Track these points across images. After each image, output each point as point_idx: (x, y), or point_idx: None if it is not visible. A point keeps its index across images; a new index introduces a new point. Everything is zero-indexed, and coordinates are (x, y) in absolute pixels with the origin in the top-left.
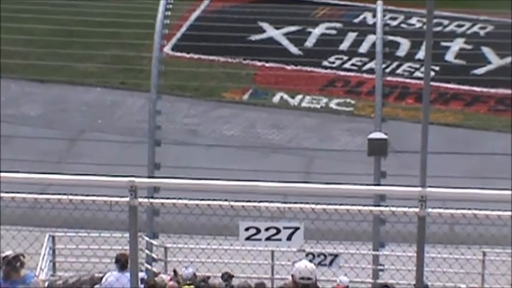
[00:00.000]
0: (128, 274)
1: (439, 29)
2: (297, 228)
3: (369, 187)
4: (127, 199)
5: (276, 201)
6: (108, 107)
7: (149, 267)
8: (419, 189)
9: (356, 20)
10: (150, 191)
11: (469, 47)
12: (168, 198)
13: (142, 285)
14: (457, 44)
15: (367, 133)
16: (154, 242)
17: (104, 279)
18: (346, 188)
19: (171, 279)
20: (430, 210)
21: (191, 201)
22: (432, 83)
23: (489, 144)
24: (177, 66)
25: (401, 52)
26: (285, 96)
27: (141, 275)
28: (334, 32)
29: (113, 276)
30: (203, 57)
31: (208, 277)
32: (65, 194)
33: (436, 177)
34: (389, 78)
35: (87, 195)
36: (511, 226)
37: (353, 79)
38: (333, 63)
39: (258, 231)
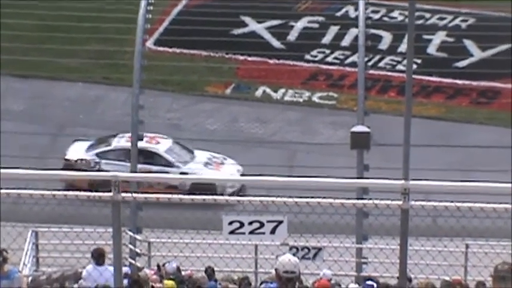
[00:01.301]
0: (104, 267)
1: (421, 22)
2: (280, 222)
3: (352, 180)
4: (110, 194)
5: (259, 195)
6: (90, 102)
7: (133, 261)
8: (402, 182)
9: (338, 14)
10: (133, 185)
11: (451, 39)
12: (151, 193)
13: (126, 280)
14: (439, 37)
15: (349, 126)
16: (137, 236)
17: (84, 272)
18: (329, 181)
19: (154, 274)
20: (413, 202)
21: (174, 196)
22: (414, 76)
23: (471, 137)
24: (159, 61)
25: (384, 45)
26: (268, 90)
27: (125, 269)
28: (316, 25)
29: (93, 269)
30: (185, 51)
31: (191, 275)
32: (48, 190)
33: (418, 170)
34: (371, 72)
35: (70, 191)
36: (493, 218)
37: (335, 72)
38: (316, 56)
39: (242, 225)
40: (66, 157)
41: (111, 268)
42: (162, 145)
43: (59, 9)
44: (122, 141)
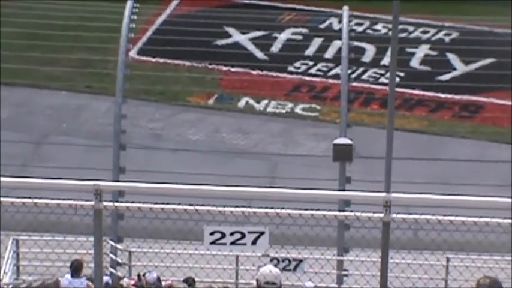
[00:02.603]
0: (78, 281)
1: (404, 35)
2: (261, 233)
3: (334, 192)
4: (92, 203)
5: (240, 206)
6: (73, 111)
7: (113, 271)
8: (383, 194)
9: (322, 26)
10: (115, 195)
11: (434, 53)
12: (133, 202)
13: None
14: (422, 50)
15: (332, 138)
16: (118, 246)
17: (61, 282)
18: (311, 193)
19: (135, 284)
20: (394, 215)
21: (156, 205)
22: (397, 89)
23: (453, 151)
24: (142, 70)
25: (367, 58)
26: (251, 101)
27: (105, 278)
28: (300, 37)
29: (68, 283)
30: (169, 61)
31: (171, 285)
32: (29, 198)
33: (400, 182)
34: (354, 84)
35: (52, 199)
36: (474, 232)
37: (318, 84)
38: (299, 68)
39: (223, 235)
40: None
41: (84, 281)
42: None
43: (42, 18)
44: None
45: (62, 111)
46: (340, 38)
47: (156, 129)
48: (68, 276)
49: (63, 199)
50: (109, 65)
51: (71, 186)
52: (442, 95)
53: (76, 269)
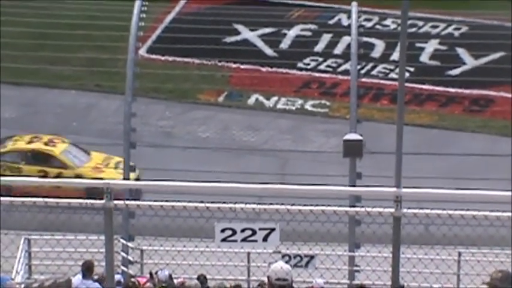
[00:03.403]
0: (90, 282)
1: (413, 30)
2: (272, 229)
3: (344, 188)
4: (102, 201)
5: (251, 203)
6: (83, 110)
7: (125, 269)
8: (394, 189)
9: (331, 22)
10: (126, 193)
11: (443, 48)
12: (143, 200)
13: None
14: (432, 45)
15: (342, 134)
16: (130, 244)
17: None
18: (321, 189)
19: (147, 282)
20: (405, 210)
21: (167, 203)
22: (407, 84)
23: (464, 145)
24: (152, 69)
25: (376, 53)
26: (260, 98)
27: (117, 277)
28: (309, 33)
29: (80, 282)
30: (178, 59)
31: (183, 283)
32: (41, 197)
33: (411, 178)
34: (364, 80)
35: (63, 198)
36: (485, 226)
37: (328, 80)
38: (308, 64)
39: (234, 232)
40: None
41: (96, 284)
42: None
43: (51, 17)
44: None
45: (72, 110)
46: (349, 34)
47: (166, 127)
48: (80, 276)
49: (74, 198)
50: (118, 63)
51: (82, 186)
52: (452, 90)
53: (88, 269)
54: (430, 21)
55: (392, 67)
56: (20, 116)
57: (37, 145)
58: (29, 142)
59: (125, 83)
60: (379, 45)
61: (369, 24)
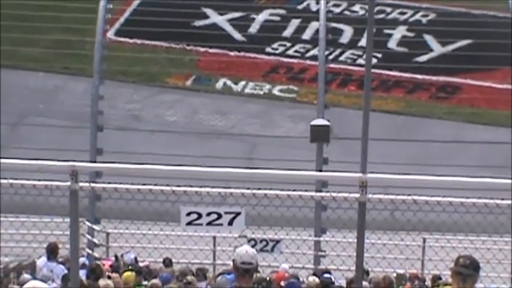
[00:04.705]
0: (55, 264)
1: (381, 16)
2: (238, 214)
3: (310, 173)
4: (68, 183)
5: (217, 187)
6: (50, 92)
7: (90, 252)
8: (359, 174)
9: (300, 7)
10: (92, 176)
11: (411, 34)
12: (109, 183)
13: (82, 271)
14: (400, 32)
15: (309, 119)
16: (95, 227)
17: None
18: (287, 173)
19: (112, 265)
20: (370, 195)
21: (132, 186)
22: (374, 70)
23: (430, 131)
24: (120, 52)
25: (344, 39)
26: (228, 83)
27: (82, 260)
28: (277, 18)
29: (44, 264)
30: (146, 42)
31: (147, 266)
32: (5, 179)
33: (377, 163)
34: (332, 65)
35: (28, 180)
36: (449, 212)
37: (296, 66)
38: (276, 49)
39: (199, 216)
40: None
41: (60, 266)
42: None
43: None
44: None
45: (39, 92)
46: (317, 19)
47: (134, 110)
48: (44, 258)
49: (40, 180)
50: (86, 46)
51: (47, 167)
52: (419, 76)
53: (52, 251)
54: (398, 8)
55: (360, 53)
56: None
57: None
58: None
59: (92, 65)
60: (347, 31)
61: (337, 10)
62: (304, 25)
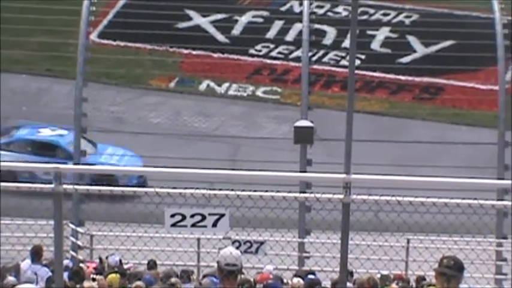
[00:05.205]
0: (39, 266)
1: (364, 17)
2: (222, 215)
3: (294, 174)
4: (52, 186)
5: (202, 188)
6: (33, 94)
7: (74, 254)
8: (343, 175)
9: (283, 8)
10: (75, 178)
11: (394, 35)
12: (92, 185)
13: (66, 273)
14: (383, 33)
15: (293, 121)
16: (79, 229)
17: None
18: (271, 175)
19: (96, 267)
20: (354, 196)
21: (116, 188)
22: (358, 72)
23: (414, 132)
24: (103, 54)
25: (328, 40)
26: (212, 84)
27: (66, 262)
28: (261, 20)
29: (28, 266)
30: (130, 44)
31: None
32: None
33: (361, 165)
34: (315, 67)
35: (12, 182)
36: (433, 213)
37: (279, 67)
38: (260, 51)
39: (184, 217)
40: None
41: (45, 269)
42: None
43: (2, 0)
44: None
45: (22, 95)
46: (301, 21)
47: (117, 112)
48: (28, 260)
49: (23, 182)
50: (70, 48)
51: (31, 169)
52: (403, 77)
53: (36, 253)
54: (381, 9)
55: (343, 54)
56: None
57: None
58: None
59: (76, 67)
60: (331, 32)
61: (320, 11)
62: (288, 26)
